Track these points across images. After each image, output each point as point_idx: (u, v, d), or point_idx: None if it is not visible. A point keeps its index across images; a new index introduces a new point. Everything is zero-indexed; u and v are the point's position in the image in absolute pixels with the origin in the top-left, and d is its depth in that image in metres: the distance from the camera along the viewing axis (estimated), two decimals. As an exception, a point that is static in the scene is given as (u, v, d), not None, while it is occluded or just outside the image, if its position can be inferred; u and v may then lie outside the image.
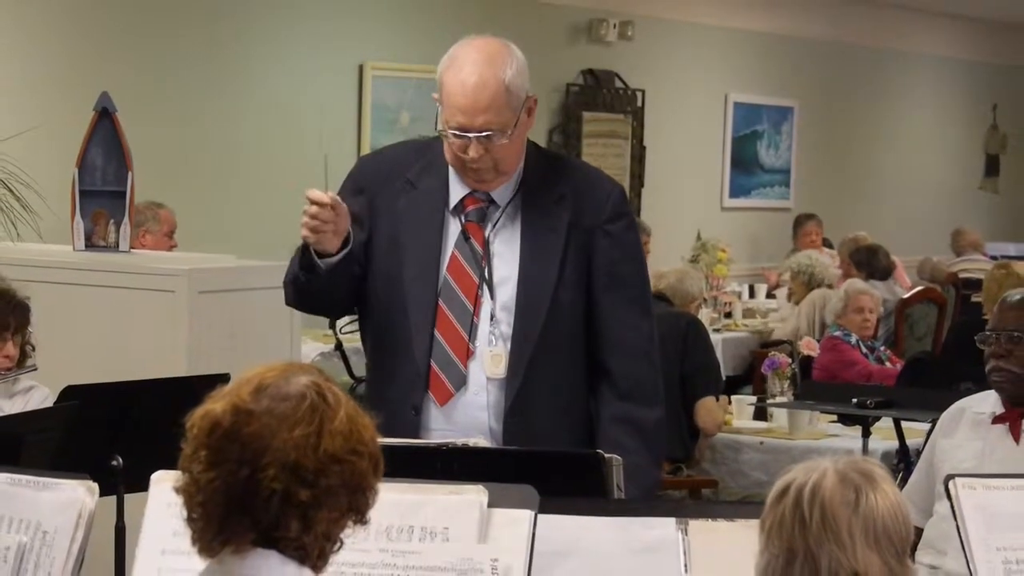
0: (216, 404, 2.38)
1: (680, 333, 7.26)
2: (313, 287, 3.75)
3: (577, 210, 3.82)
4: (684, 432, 7.19)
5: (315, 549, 2.38)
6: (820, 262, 10.51)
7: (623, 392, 3.83)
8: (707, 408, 7.20)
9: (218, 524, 2.36)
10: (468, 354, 3.76)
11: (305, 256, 3.69)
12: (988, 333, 4.66)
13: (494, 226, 3.82)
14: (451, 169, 3.83)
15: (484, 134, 3.68)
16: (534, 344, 3.76)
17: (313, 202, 3.60)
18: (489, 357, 3.76)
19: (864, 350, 8.44)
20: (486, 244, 3.80)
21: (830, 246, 12.97)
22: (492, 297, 3.78)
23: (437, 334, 3.76)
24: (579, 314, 3.83)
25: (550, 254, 3.79)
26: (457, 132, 3.70)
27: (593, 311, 3.84)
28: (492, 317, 3.78)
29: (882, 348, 8.79)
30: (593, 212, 3.84)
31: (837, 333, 8.46)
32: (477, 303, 3.78)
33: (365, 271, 3.82)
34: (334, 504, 2.37)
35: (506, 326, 3.78)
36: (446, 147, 3.77)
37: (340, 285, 3.77)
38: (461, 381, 3.77)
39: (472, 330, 3.77)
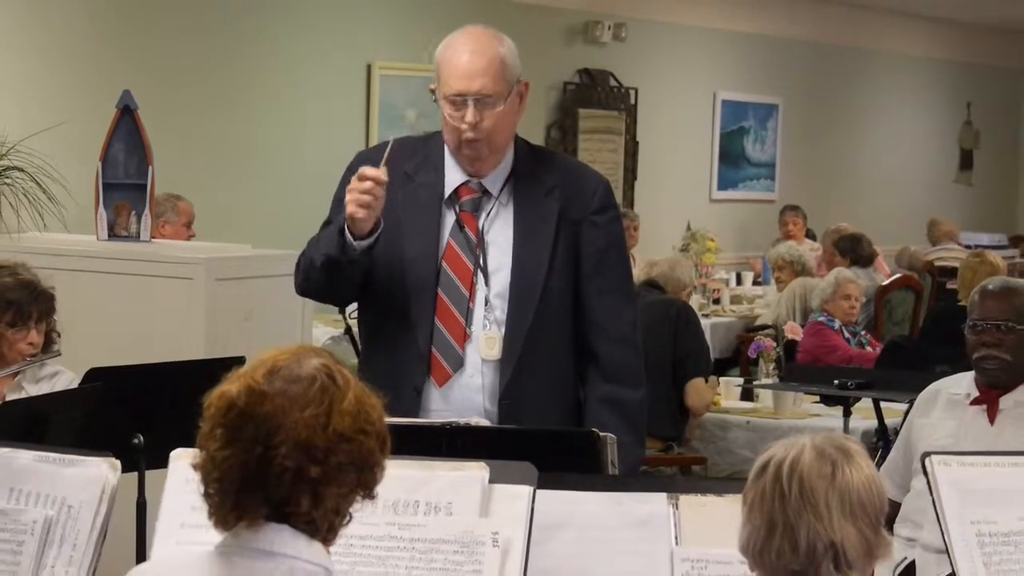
0: (232, 385, 2.38)
1: (672, 319, 7.26)
2: (344, 272, 3.72)
3: (566, 202, 3.83)
4: (675, 412, 7.18)
5: (325, 523, 2.38)
6: (796, 251, 10.52)
7: (608, 375, 3.84)
8: (696, 389, 7.19)
9: (233, 499, 2.36)
10: (465, 338, 3.76)
11: (340, 238, 3.68)
12: (976, 323, 4.66)
13: (488, 215, 3.82)
14: (447, 161, 3.84)
15: (482, 96, 3.70)
16: (526, 329, 3.76)
17: (368, 179, 3.60)
18: (484, 340, 3.76)
19: (847, 335, 8.43)
20: (480, 233, 3.81)
21: (813, 237, 12.98)
22: (487, 284, 3.78)
23: (437, 321, 3.76)
24: (568, 300, 3.83)
25: (541, 244, 3.80)
26: (455, 97, 3.72)
27: (580, 297, 3.85)
28: (487, 303, 3.77)
29: (863, 333, 8.78)
30: (581, 204, 3.85)
31: (821, 319, 8.45)
32: (472, 290, 3.78)
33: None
34: (343, 480, 2.37)
35: (500, 311, 3.77)
36: (444, 125, 3.78)
37: (361, 271, 3.76)
38: (459, 363, 3.76)
39: (468, 316, 3.77)
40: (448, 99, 3.73)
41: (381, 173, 3.61)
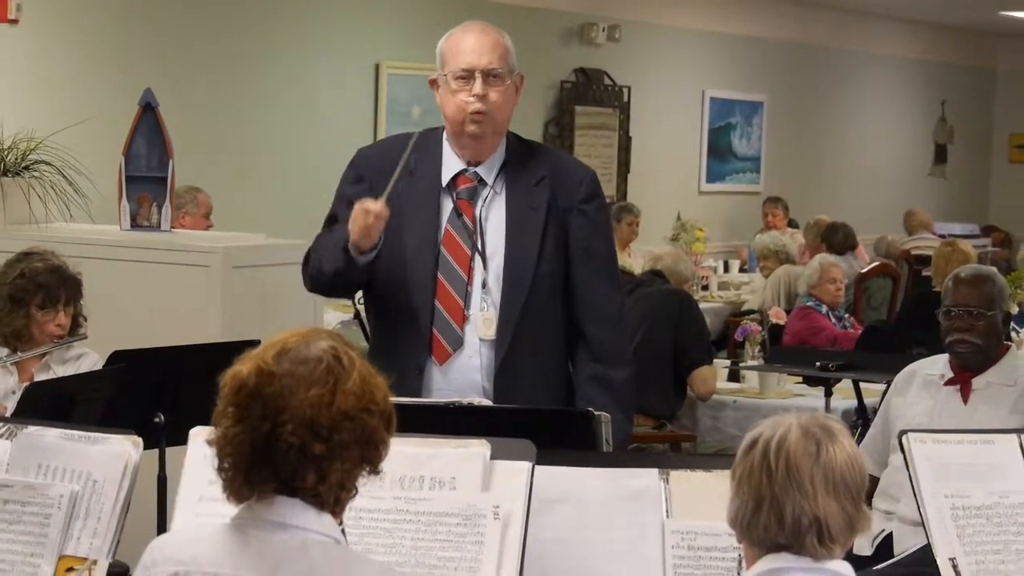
0: (243, 366, 2.37)
1: (675, 308, 7.21)
2: (352, 277, 3.77)
3: (555, 191, 3.84)
4: (670, 393, 7.16)
5: (331, 497, 2.37)
6: (780, 241, 10.51)
7: (597, 355, 3.84)
8: (702, 377, 7.12)
9: (244, 474, 2.36)
10: (463, 319, 3.77)
11: (345, 254, 3.69)
12: (949, 309, 4.66)
13: (484, 202, 3.82)
14: (444, 152, 3.84)
15: (489, 70, 3.73)
16: (519, 312, 3.77)
17: (372, 213, 3.61)
18: (481, 320, 3.77)
19: (833, 319, 8.41)
20: (477, 219, 3.81)
21: (796, 226, 12.97)
22: (484, 267, 3.78)
23: (437, 303, 3.77)
24: (558, 285, 3.83)
25: (533, 231, 3.80)
26: (463, 72, 3.73)
27: (570, 282, 3.85)
28: (484, 285, 3.78)
29: (847, 316, 8.76)
30: (569, 193, 3.85)
31: (809, 303, 8.42)
32: (470, 273, 3.78)
33: None
34: (347, 457, 2.36)
35: (496, 295, 3.78)
36: (447, 108, 3.78)
37: (367, 272, 3.79)
38: (458, 343, 3.76)
39: (466, 298, 3.77)
40: (455, 77, 3.75)
41: (384, 210, 3.61)
